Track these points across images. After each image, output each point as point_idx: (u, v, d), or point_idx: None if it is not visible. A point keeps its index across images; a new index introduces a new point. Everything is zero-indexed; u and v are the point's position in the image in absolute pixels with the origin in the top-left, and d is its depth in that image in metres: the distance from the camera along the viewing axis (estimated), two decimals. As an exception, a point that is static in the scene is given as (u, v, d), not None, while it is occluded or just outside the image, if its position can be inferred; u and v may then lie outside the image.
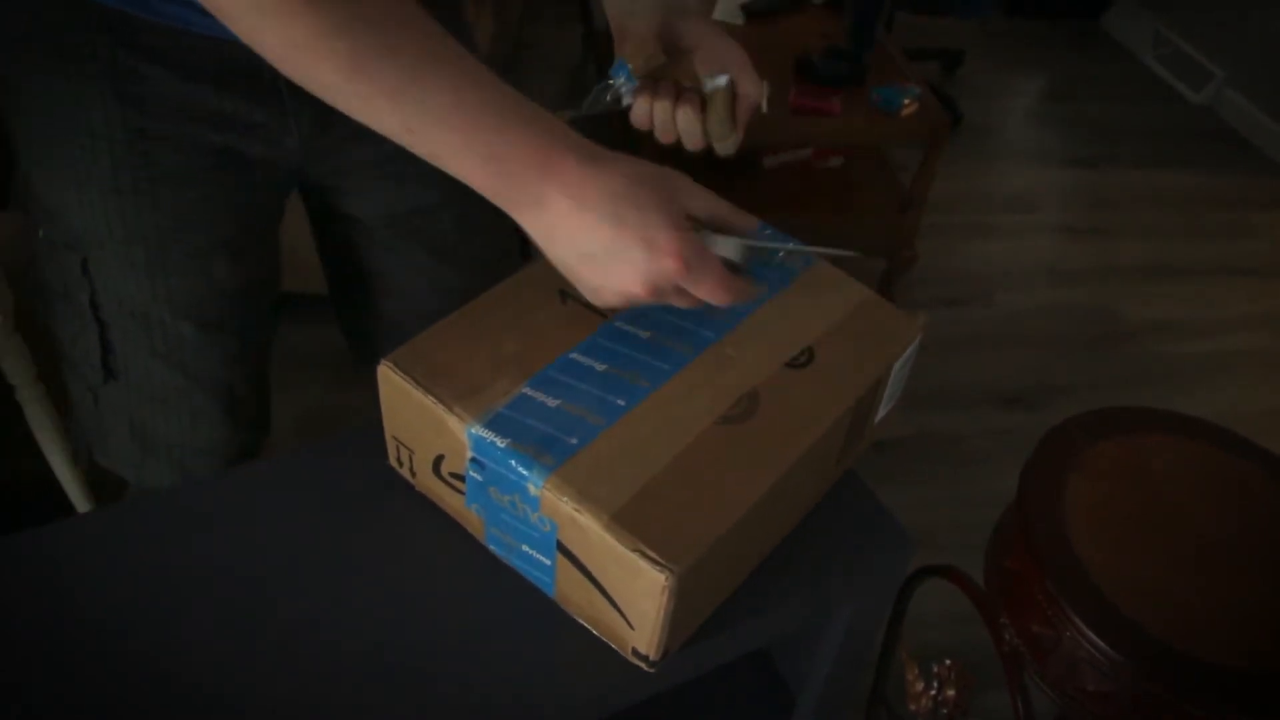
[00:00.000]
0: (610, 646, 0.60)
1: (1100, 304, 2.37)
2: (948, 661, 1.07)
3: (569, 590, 0.60)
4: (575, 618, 0.61)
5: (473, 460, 0.59)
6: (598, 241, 0.56)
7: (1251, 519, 0.95)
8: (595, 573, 0.57)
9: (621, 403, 0.60)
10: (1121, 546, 0.91)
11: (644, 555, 0.53)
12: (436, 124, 0.55)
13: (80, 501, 1.51)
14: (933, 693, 1.08)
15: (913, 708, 1.14)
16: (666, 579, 0.53)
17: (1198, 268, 2.52)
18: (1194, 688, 0.80)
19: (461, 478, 0.62)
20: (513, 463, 0.57)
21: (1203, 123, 3.14)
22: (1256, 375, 2.22)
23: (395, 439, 0.66)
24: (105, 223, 0.79)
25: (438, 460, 0.63)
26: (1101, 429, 1.01)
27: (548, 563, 0.60)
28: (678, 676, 0.63)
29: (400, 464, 0.67)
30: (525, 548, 0.61)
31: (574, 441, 0.57)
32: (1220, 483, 0.98)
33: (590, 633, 0.61)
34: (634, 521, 0.54)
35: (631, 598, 0.56)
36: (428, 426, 0.61)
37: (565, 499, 0.55)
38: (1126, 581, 0.87)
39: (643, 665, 0.59)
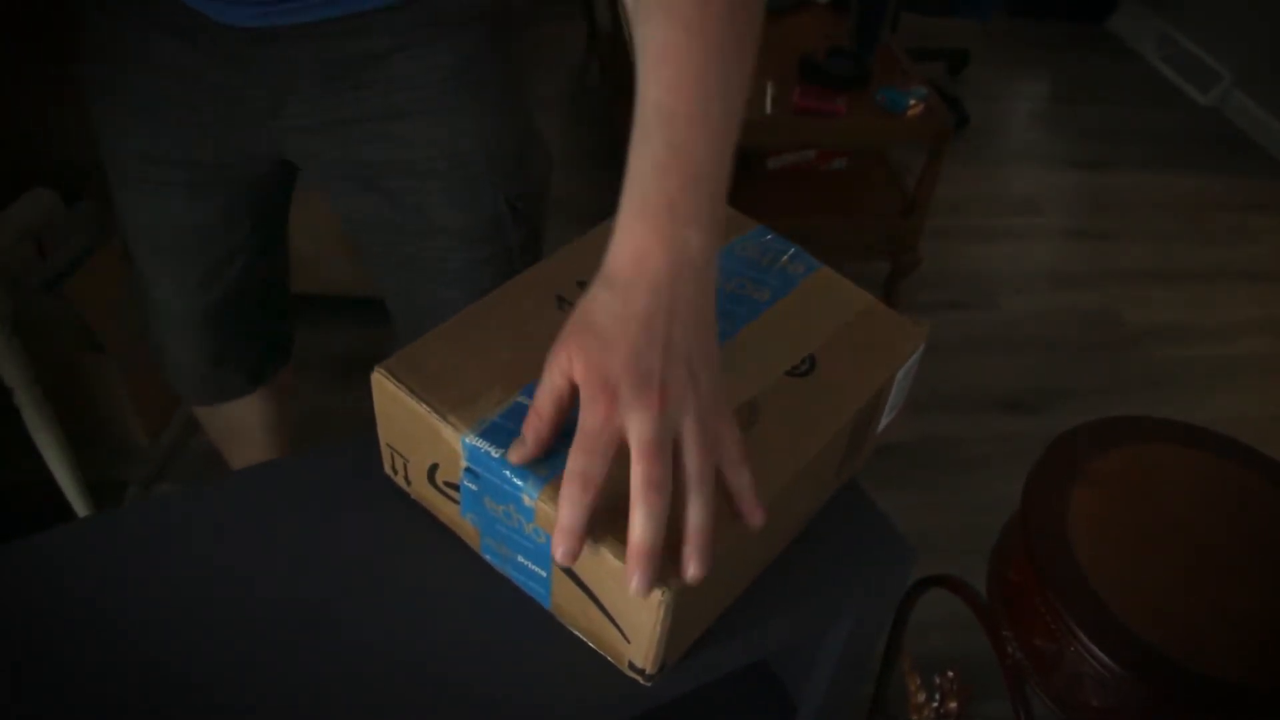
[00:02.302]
0: (607, 659, 0.59)
1: (1105, 308, 2.35)
2: (950, 673, 1.06)
3: (565, 603, 0.60)
4: (571, 630, 0.61)
5: (467, 470, 0.59)
6: (654, 310, 0.53)
7: (1256, 530, 0.94)
8: (590, 586, 0.56)
9: None
10: (1125, 559, 0.90)
11: None
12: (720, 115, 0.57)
13: (80, 506, 1.50)
14: (934, 704, 1.07)
15: (914, 718, 1.13)
16: (663, 594, 0.52)
17: (1203, 272, 2.51)
18: (1199, 703, 0.79)
19: (456, 487, 0.61)
20: (507, 473, 0.56)
21: (1209, 125, 3.13)
22: (1261, 381, 2.21)
23: (390, 447, 0.65)
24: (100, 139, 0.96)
25: (432, 469, 0.62)
26: (1105, 439, 1.00)
27: (543, 574, 0.59)
28: (676, 689, 0.62)
29: (395, 472, 0.67)
30: (520, 559, 0.60)
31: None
32: (1225, 494, 0.97)
33: (588, 645, 0.60)
34: (628, 535, 0.53)
35: (627, 612, 0.55)
36: (422, 435, 0.60)
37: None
38: (1130, 594, 0.86)
39: (639, 679, 0.58)
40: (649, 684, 0.58)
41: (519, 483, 0.55)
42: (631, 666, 0.58)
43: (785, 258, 0.72)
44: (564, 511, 0.51)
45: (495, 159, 0.92)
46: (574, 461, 0.51)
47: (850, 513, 0.70)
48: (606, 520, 0.53)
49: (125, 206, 0.99)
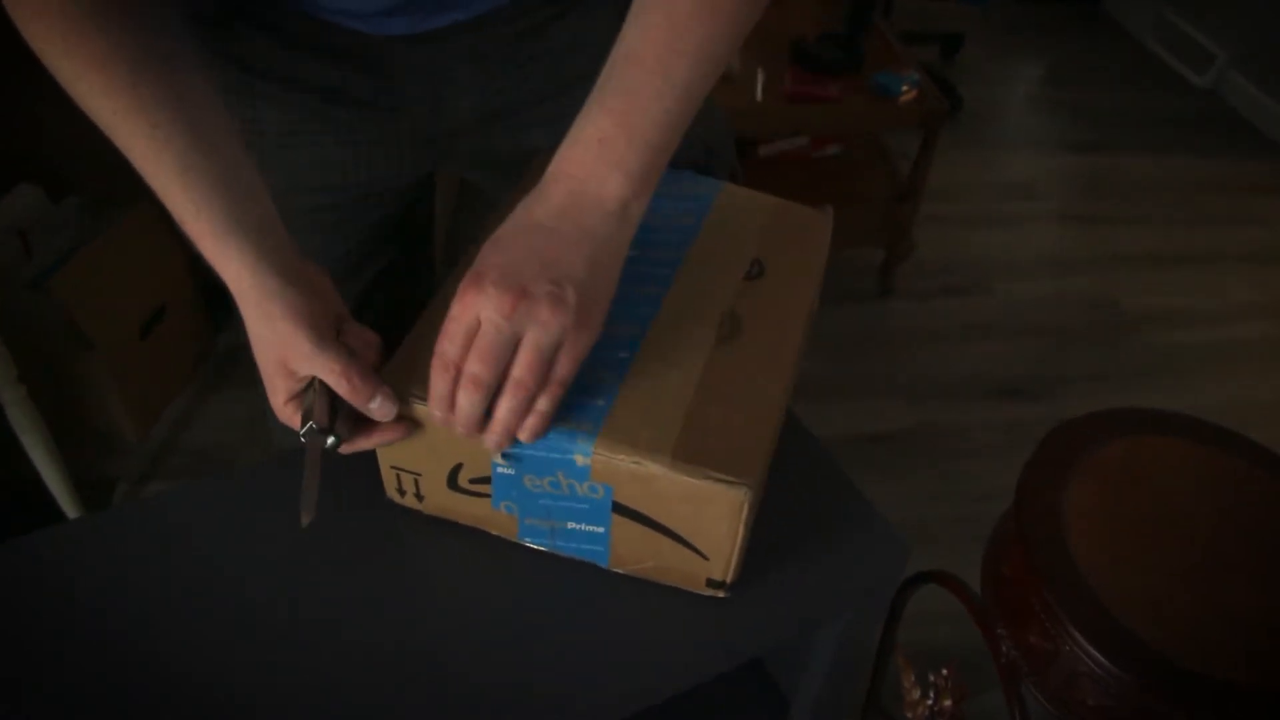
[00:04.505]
0: (603, 658, 0.60)
1: (1102, 293, 2.34)
2: (945, 671, 1.05)
3: (627, 550, 0.61)
4: (633, 576, 0.62)
5: (503, 455, 0.59)
6: (547, 228, 0.56)
7: (1257, 526, 0.93)
8: (660, 518, 0.58)
9: (624, 354, 0.61)
10: (1123, 555, 0.89)
11: (716, 480, 0.54)
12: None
13: (68, 504, 1.49)
14: (929, 701, 1.06)
15: (909, 715, 1.12)
16: (744, 494, 0.54)
17: (1202, 255, 2.50)
18: (1197, 704, 0.78)
19: (484, 481, 0.61)
20: (552, 442, 0.57)
21: (1205, 106, 3.11)
22: (1262, 365, 2.20)
23: (395, 469, 0.64)
24: None
25: (454, 473, 0.62)
26: (1103, 431, 0.99)
27: (600, 530, 0.60)
28: (673, 687, 0.62)
29: (402, 493, 0.65)
30: (571, 525, 0.61)
31: (601, 402, 0.58)
32: (1225, 488, 0.96)
33: (589, 645, 0.60)
34: (692, 454, 0.55)
35: (703, 527, 0.57)
36: (439, 439, 0.60)
37: (621, 456, 0.55)
38: (1127, 592, 0.85)
39: (719, 594, 0.61)
40: (727, 596, 0.61)
41: (568, 446, 0.56)
42: (710, 584, 0.61)
43: (689, 183, 0.77)
44: (434, 387, 0.55)
45: None
46: (438, 344, 0.55)
47: (842, 509, 0.70)
48: (667, 440, 0.56)
49: None
